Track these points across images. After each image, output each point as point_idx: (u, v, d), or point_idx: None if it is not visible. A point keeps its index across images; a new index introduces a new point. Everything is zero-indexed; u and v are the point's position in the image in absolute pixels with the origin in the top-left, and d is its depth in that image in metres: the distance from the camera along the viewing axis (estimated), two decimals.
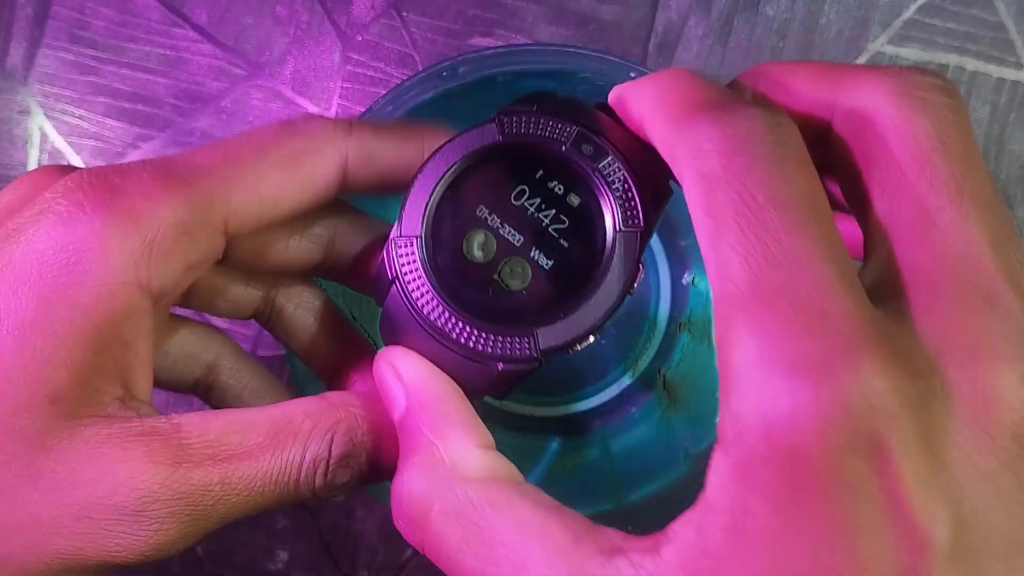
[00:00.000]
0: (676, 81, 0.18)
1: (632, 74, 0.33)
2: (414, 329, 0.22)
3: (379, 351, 0.23)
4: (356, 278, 0.27)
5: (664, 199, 0.23)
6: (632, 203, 0.22)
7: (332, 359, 0.27)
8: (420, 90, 0.33)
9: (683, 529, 0.16)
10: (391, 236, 0.23)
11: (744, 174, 0.15)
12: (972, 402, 0.14)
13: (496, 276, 0.23)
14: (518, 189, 0.23)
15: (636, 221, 0.22)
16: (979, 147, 0.39)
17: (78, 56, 0.40)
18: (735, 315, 0.15)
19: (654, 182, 0.22)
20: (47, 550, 0.20)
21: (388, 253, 0.23)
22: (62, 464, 0.20)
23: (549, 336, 0.22)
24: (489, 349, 0.22)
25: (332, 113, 0.40)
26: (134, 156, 0.40)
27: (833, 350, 0.14)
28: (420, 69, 0.38)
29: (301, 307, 0.27)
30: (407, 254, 0.22)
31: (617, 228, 0.22)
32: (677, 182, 0.18)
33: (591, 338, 0.23)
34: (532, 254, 0.23)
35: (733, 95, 0.17)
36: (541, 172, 0.23)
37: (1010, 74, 0.39)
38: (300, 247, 0.26)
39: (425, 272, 0.22)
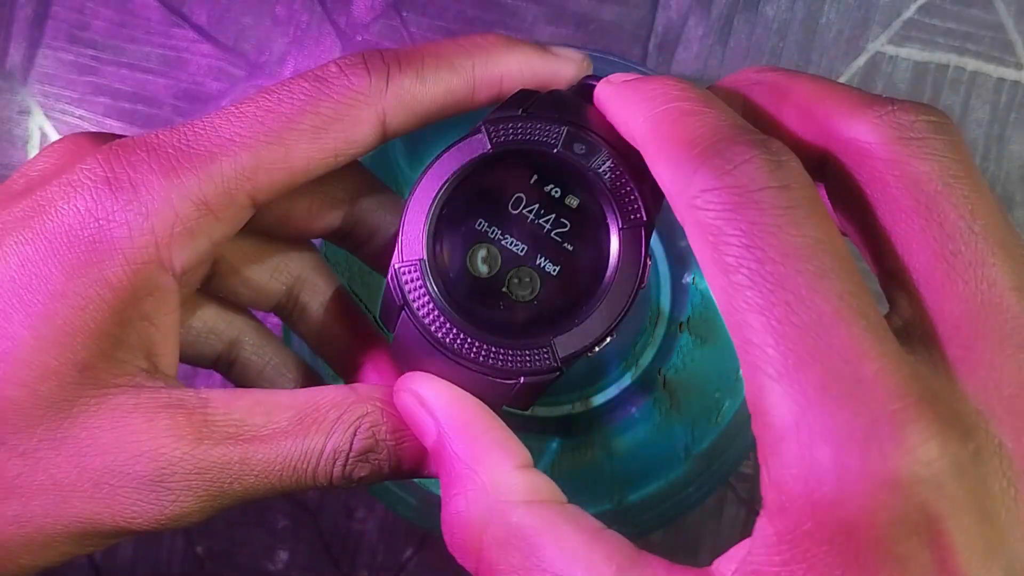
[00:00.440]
0: (667, 98, 0.18)
1: None
2: (429, 353, 0.22)
3: (398, 380, 0.22)
4: (372, 258, 0.26)
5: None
6: (631, 197, 0.22)
7: (350, 355, 0.27)
8: None
9: (726, 571, 0.16)
10: (393, 264, 0.22)
11: (752, 228, 0.15)
12: (1022, 459, 0.14)
13: (505, 289, 0.23)
14: (515, 197, 0.22)
15: (638, 215, 0.22)
16: (979, 157, 0.39)
17: (78, 56, 0.40)
18: (766, 382, 0.14)
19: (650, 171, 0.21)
20: (65, 512, 0.20)
21: (393, 281, 0.22)
22: (86, 430, 0.20)
23: (567, 343, 0.22)
24: (509, 364, 0.22)
25: None
26: None
27: (876, 419, 0.13)
28: None
29: (322, 303, 0.27)
30: (412, 279, 0.22)
31: (620, 225, 0.22)
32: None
33: (608, 339, 0.22)
34: (538, 261, 0.23)
35: (728, 125, 0.16)
36: (535, 177, 0.22)
37: (1010, 74, 0.39)
38: (322, 212, 0.25)
39: (432, 295, 0.22)
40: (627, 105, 0.19)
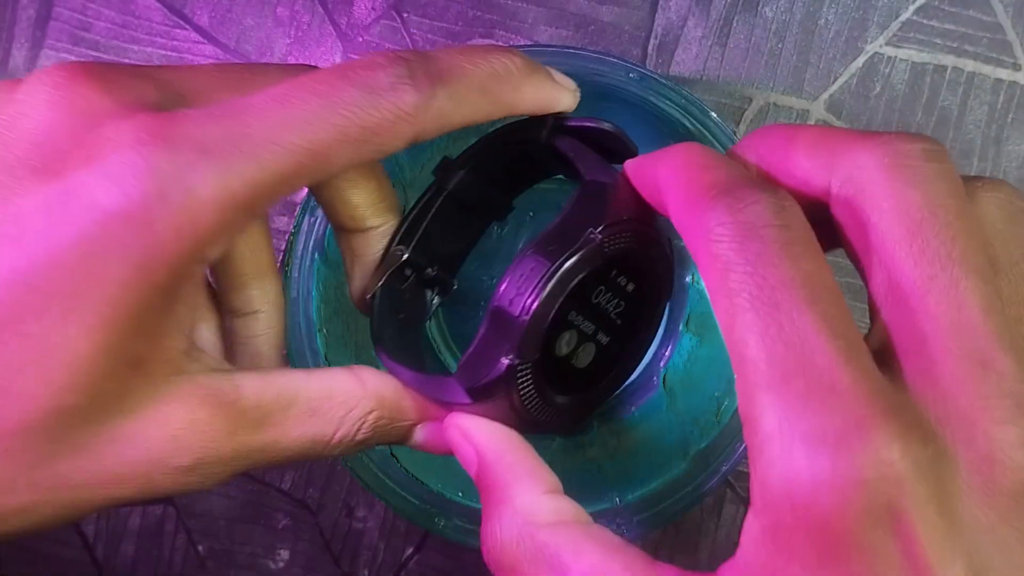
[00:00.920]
0: (688, 159, 0.20)
1: (632, 75, 0.33)
2: (497, 407, 0.25)
3: (448, 417, 0.25)
4: (339, 228, 0.27)
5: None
6: (670, 276, 0.26)
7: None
8: None
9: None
10: (508, 363, 0.23)
11: (755, 259, 0.17)
12: (973, 463, 0.15)
13: (573, 360, 0.26)
14: (598, 288, 0.25)
15: (669, 291, 0.26)
16: (976, 157, 0.39)
17: (80, 57, 0.40)
18: (756, 392, 0.16)
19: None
20: (112, 498, 0.22)
21: (506, 377, 0.24)
22: (137, 424, 0.21)
23: (601, 395, 0.28)
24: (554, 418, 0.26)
25: None
26: None
27: (847, 424, 0.15)
28: None
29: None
30: (524, 376, 0.24)
31: (658, 301, 0.27)
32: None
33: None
34: (598, 336, 0.26)
35: (740, 176, 0.19)
36: (615, 270, 0.25)
37: (1008, 75, 0.39)
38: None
39: (535, 386, 0.25)
40: (654, 165, 0.21)
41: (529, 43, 0.40)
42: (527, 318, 0.23)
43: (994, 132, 0.39)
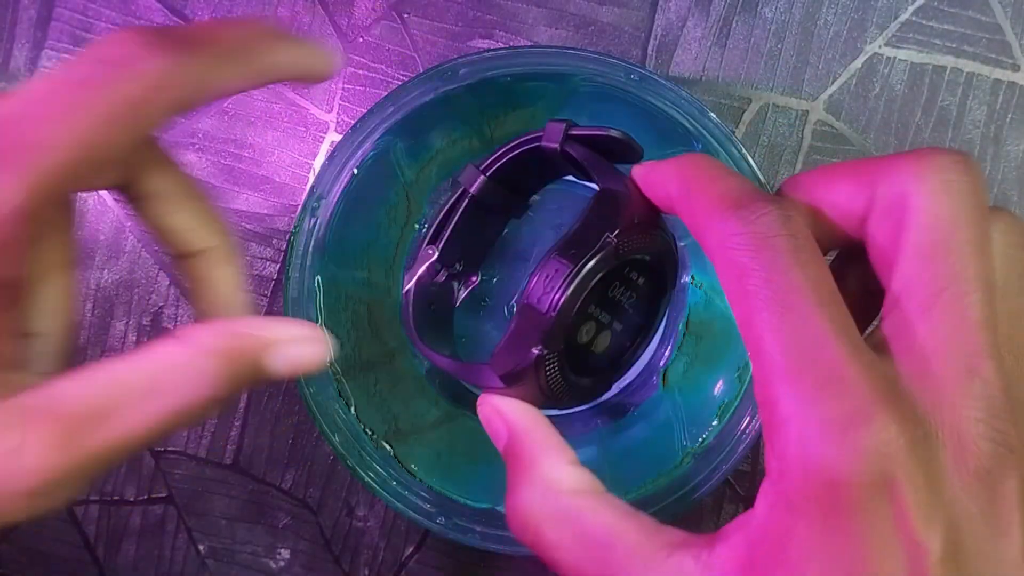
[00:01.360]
0: (699, 171, 0.22)
1: (631, 75, 0.33)
2: (526, 389, 0.28)
3: (480, 397, 0.27)
4: (147, 218, 0.27)
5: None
6: (675, 268, 0.29)
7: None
8: (421, 91, 0.34)
9: (735, 534, 0.20)
10: (537, 353, 0.27)
11: (769, 265, 0.19)
12: (953, 447, 0.18)
13: (592, 348, 0.29)
14: (613, 284, 0.28)
15: (674, 282, 0.29)
16: (975, 158, 0.39)
17: None
18: (773, 381, 0.19)
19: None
20: None
21: (535, 364, 0.27)
22: None
23: (615, 375, 0.31)
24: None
25: (334, 114, 0.40)
26: None
27: (853, 409, 0.18)
28: (421, 71, 0.38)
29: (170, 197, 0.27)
30: (551, 364, 0.27)
31: (665, 292, 0.30)
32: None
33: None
34: (614, 325, 0.29)
35: (749, 188, 0.21)
36: (628, 267, 0.28)
37: (1007, 76, 0.39)
38: (101, 172, 0.25)
39: (561, 369, 0.28)
40: (663, 174, 0.24)
41: (529, 43, 0.40)
42: (554, 314, 0.26)
43: (993, 132, 0.39)
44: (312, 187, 0.34)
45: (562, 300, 0.26)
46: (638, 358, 0.31)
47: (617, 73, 0.33)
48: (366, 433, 0.35)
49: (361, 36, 0.40)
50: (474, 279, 0.35)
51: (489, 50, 0.34)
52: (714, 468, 0.33)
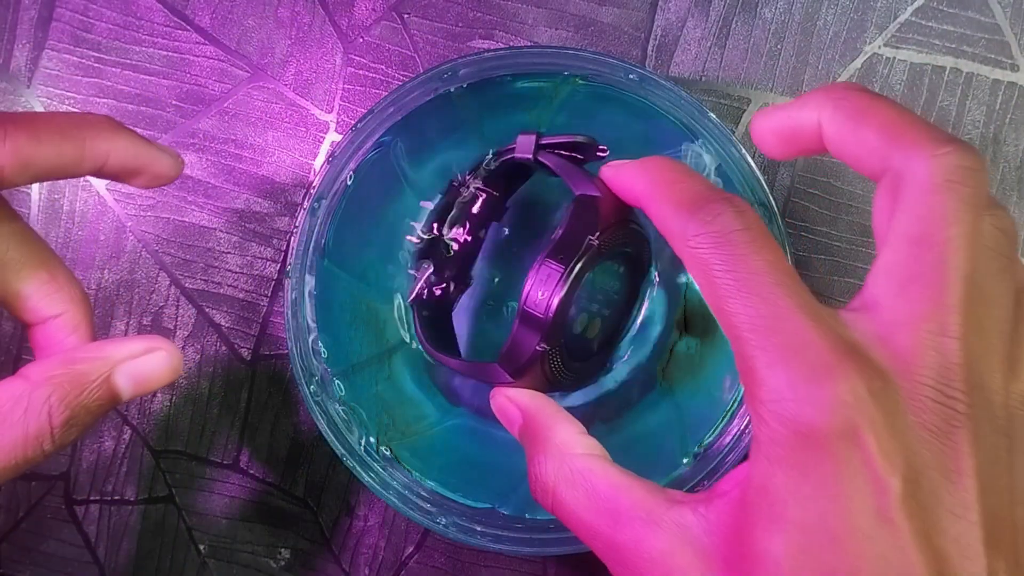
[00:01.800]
0: (661, 174, 0.25)
1: (631, 76, 0.33)
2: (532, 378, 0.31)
3: (493, 391, 0.30)
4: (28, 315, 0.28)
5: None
6: (648, 252, 0.33)
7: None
8: (421, 91, 0.34)
9: (727, 489, 0.22)
10: (540, 350, 0.30)
11: (729, 258, 0.22)
12: (909, 399, 0.20)
13: (586, 335, 0.32)
14: (598, 277, 0.30)
15: (649, 263, 0.33)
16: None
17: (82, 58, 0.41)
18: (748, 353, 0.21)
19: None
20: None
21: (540, 359, 0.30)
22: None
23: (609, 354, 0.35)
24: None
25: (334, 114, 0.40)
26: None
27: (818, 367, 0.20)
28: (421, 71, 0.38)
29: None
30: (553, 357, 0.30)
31: (642, 274, 0.33)
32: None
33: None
34: (603, 311, 0.32)
35: (706, 189, 0.24)
36: (610, 260, 0.31)
37: (1006, 76, 0.39)
38: None
39: (562, 358, 0.31)
40: (629, 177, 0.27)
41: (529, 44, 0.40)
42: (551, 315, 0.29)
43: (992, 132, 0.40)
44: (312, 187, 0.34)
45: (557, 302, 0.29)
46: (626, 333, 0.35)
47: (617, 73, 0.33)
48: (366, 433, 0.35)
49: (361, 36, 0.40)
50: (467, 284, 0.37)
51: (489, 50, 0.34)
52: (714, 468, 0.33)
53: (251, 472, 0.41)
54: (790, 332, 0.21)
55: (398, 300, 0.38)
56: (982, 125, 0.40)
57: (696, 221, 0.23)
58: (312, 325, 0.34)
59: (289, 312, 0.34)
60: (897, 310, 0.21)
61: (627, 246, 0.31)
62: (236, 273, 0.41)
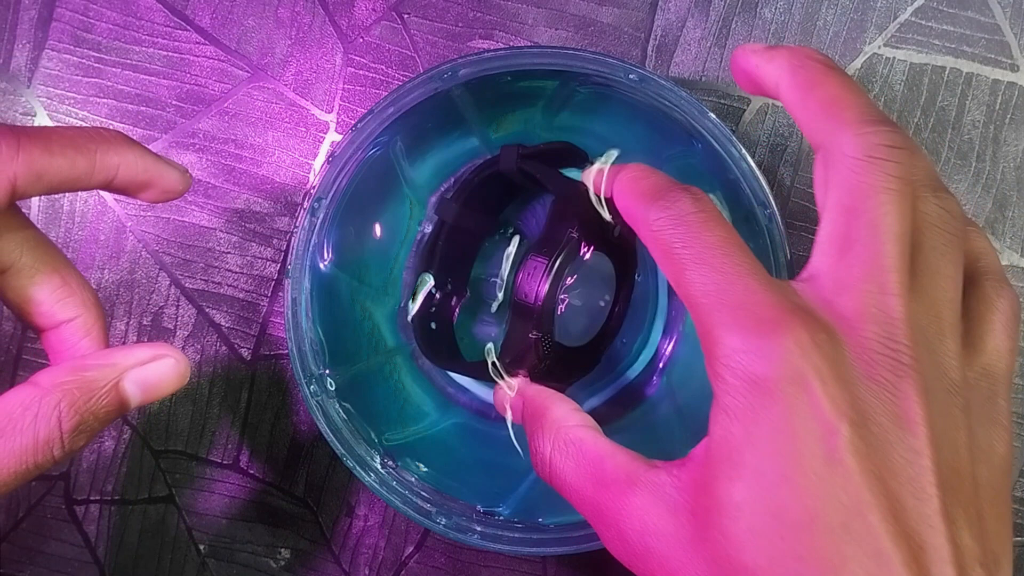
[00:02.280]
0: (630, 174, 0.28)
1: (631, 76, 0.33)
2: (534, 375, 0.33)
3: (497, 386, 0.32)
4: (8, 289, 0.28)
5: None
6: (632, 242, 0.35)
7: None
8: (421, 91, 0.34)
9: (698, 451, 0.24)
10: (535, 338, 0.32)
11: (686, 236, 0.24)
12: (856, 353, 0.22)
13: (574, 322, 0.34)
14: (593, 266, 0.33)
15: (633, 251, 0.36)
16: (975, 158, 0.39)
17: (82, 58, 0.41)
18: (705, 316, 0.23)
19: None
20: None
21: (534, 346, 0.32)
22: None
23: (600, 346, 0.37)
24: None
25: (334, 114, 0.40)
26: None
27: (767, 322, 0.22)
28: (421, 71, 0.38)
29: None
30: (546, 341, 0.33)
31: (625, 264, 0.36)
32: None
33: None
34: (591, 300, 0.34)
35: (665, 183, 0.26)
36: (592, 249, 0.33)
37: (1006, 76, 0.39)
38: None
39: (555, 349, 0.33)
40: (609, 180, 0.29)
41: (529, 44, 0.40)
42: (540, 302, 0.32)
43: (992, 132, 0.40)
44: (312, 187, 0.34)
45: (545, 290, 0.32)
46: (619, 327, 0.37)
47: (617, 73, 0.33)
48: (366, 433, 0.35)
49: (361, 36, 0.40)
50: (463, 294, 0.38)
51: (489, 50, 0.34)
52: None
53: (251, 472, 0.41)
54: (741, 294, 0.23)
55: (398, 301, 0.38)
56: (982, 125, 0.40)
57: (657, 207, 0.25)
58: (312, 325, 0.34)
59: (289, 312, 0.34)
60: (839, 276, 0.23)
61: (610, 239, 0.33)
62: (236, 273, 0.41)
